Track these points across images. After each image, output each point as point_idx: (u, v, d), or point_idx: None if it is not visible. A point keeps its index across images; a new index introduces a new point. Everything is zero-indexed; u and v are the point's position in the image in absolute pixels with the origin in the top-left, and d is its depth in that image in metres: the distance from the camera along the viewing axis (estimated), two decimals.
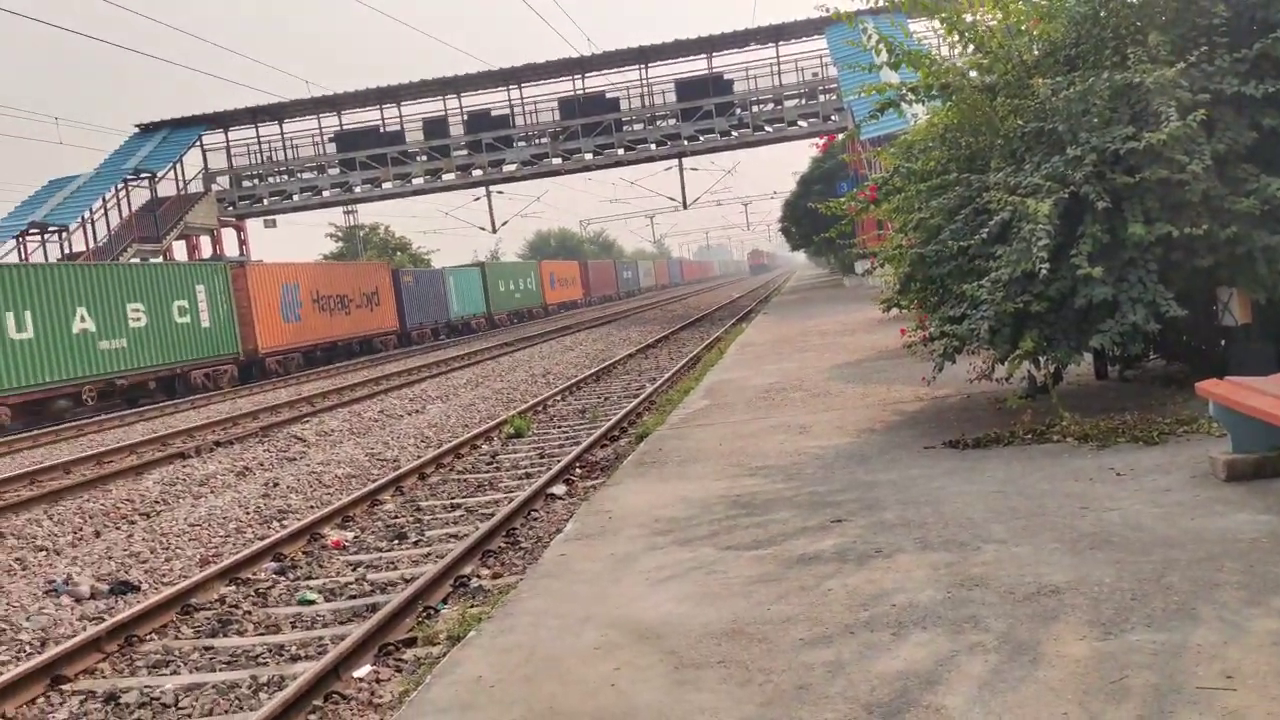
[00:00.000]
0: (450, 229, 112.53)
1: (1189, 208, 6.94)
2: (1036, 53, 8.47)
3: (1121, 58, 7.43)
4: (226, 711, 5.13)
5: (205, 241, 39.75)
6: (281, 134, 40.12)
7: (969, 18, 8.68)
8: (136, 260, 31.62)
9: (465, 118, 39.94)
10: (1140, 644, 3.59)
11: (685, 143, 39.24)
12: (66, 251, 32.14)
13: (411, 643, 5.70)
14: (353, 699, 5.06)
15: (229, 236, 40.97)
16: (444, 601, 6.45)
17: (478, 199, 45.03)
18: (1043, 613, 4.00)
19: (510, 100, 39.84)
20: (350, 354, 35.25)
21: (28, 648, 6.42)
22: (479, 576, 6.94)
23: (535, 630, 4.66)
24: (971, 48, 8.88)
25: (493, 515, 8.52)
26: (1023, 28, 8.44)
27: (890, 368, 12.57)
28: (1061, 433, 7.12)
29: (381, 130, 40.12)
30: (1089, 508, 5.35)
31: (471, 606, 6.01)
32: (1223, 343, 8.00)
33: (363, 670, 5.32)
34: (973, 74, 8.92)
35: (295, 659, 5.78)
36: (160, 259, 33.86)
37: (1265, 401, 4.78)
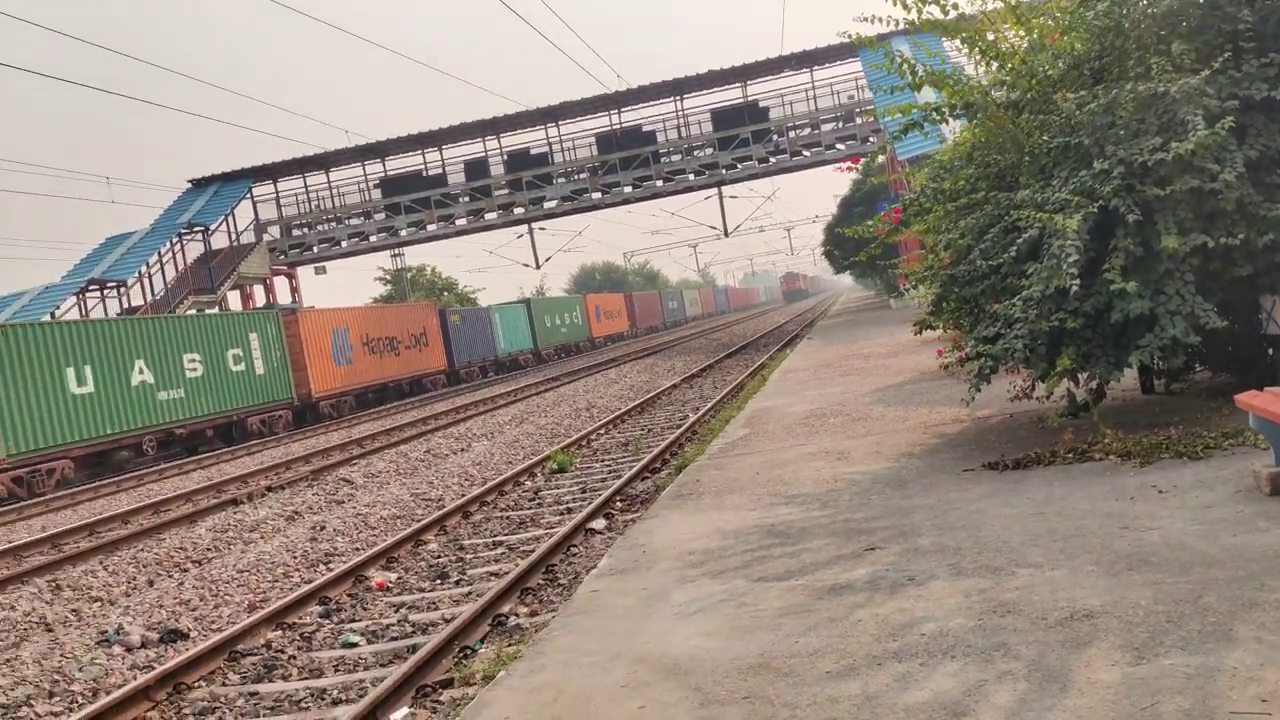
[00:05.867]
0: (495, 267, 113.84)
1: (1223, 217, 6.82)
2: (1061, 67, 8.39)
3: (1146, 68, 7.34)
4: None
5: (259, 290, 40.56)
6: (328, 182, 40.94)
7: (990, 35, 8.64)
8: (193, 311, 32.35)
9: (505, 157, 40.46)
10: (1174, 668, 3.50)
11: (723, 171, 39.31)
12: (125, 306, 32.95)
13: (449, 683, 5.71)
14: None
15: (281, 284, 41.80)
16: (481, 641, 6.46)
17: (520, 236, 45.46)
18: (1075, 638, 3.92)
19: (548, 138, 40.29)
20: (401, 394, 35.64)
21: (80, 698, 6.55)
22: (517, 615, 6.94)
23: (565, 669, 4.65)
24: (995, 65, 8.82)
25: (532, 552, 8.54)
26: (1044, 42, 8.37)
27: (932, 390, 12.42)
28: (1103, 450, 6.98)
29: (424, 174, 40.77)
30: (1129, 527, 5.23)
31: (508, 645, 6.01)
32: (1270, 351, 7.80)
33: (399, 713, 5.34)
34: (997, 92, 8.87)
35: (336, 702, 5.82)
36: (215, 309, 34.60)
37: None
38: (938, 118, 9.02)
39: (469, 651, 6.24)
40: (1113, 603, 4.20)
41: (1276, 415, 4.96)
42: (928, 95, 10.14)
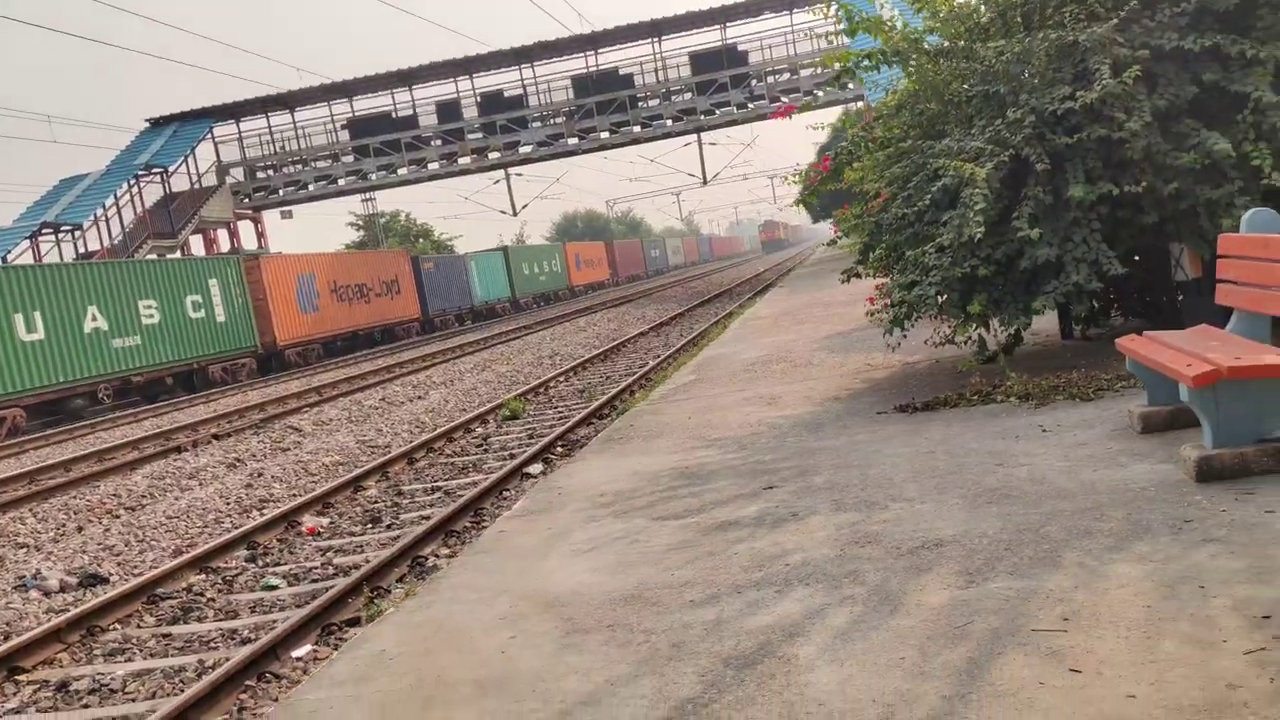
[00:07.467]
0: (473, 214, 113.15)
1: (1131, 165, 6.93)
2: (987, 14, 8.44)
3: (1061, 17, 7.41)
4: (169, 694, 5.36)
5: (223, 235, 40.20)
6: (294, 123, 40.33)
7: None
8: (153, 256, 32.06)
9: (479, 99, 39.96)
10: (997, 591, 3.69)
11: (701, 117, 39.05)
12: (81, 250, 32.48)
13: (356, 622, 5.89)
14: (285, 678, 5.26)
15: (246, 229, 41.45)
16: (399, 581, 6.63)
17: (497, 182, 45.16)
18: (919, 565, 4.11)
19: (523, 80, 39.84)
20: (372, 343, 35.66)
21: None
22: (437, 556, 7.12)
23: (451, 605, 4.81)
24: (926, 12, 8.86)
25: (464, 496, 8.71)
26: None
27: (875, 336, 12.51)
28: (1005, 393, 7.16)
29: (394, 115, 40.24)
30: (1003, 464, 5.42)
31: (420, 584, 6.18)
32: (1179, 297, 7.97)
33: (302, 650, 5.51)
34: (932, 39, 8.91)
35: (245, 642, 5.99)
36: (177, 254, 34.29)
37: (1166, 355, 4.82)
38: (869, 65, 9.06)
39: (383, 592, 6.42)
40: (964, 533, 4.39)
41: (1146, 358, 5.12)
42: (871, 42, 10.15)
